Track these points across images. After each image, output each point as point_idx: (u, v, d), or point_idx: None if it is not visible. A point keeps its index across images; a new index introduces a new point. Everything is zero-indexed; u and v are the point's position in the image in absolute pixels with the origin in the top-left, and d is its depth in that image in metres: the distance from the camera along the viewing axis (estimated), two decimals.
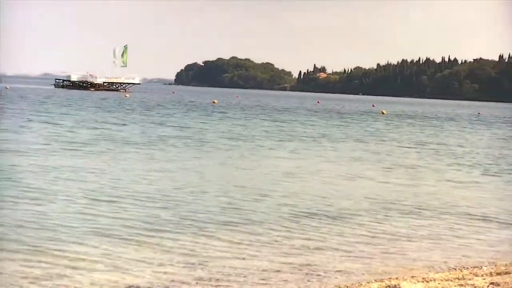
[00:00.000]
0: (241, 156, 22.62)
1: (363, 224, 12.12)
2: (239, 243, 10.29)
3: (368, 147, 28.97)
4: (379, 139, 33.64)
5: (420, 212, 13.70)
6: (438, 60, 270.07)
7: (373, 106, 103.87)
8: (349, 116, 62.21)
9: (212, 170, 18.49)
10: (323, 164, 21.46)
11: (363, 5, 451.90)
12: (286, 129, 38.50)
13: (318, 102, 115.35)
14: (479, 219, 13.20)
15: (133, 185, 14.99)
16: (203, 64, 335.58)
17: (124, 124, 34.67)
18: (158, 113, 48.19)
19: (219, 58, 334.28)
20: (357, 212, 13.24)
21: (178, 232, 10.72)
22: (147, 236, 10.37)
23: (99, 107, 51.96)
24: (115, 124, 34.72)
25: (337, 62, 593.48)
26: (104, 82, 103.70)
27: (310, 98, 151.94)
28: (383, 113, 72.44)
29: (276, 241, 10.57)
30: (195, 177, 16.92)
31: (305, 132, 36.76)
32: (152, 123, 37.23)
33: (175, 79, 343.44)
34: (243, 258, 9.46)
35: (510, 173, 21.51)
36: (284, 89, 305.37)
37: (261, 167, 19.84)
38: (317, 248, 10.22)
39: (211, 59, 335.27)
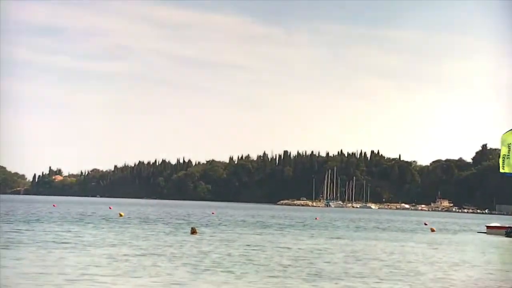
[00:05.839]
0: None
1: None
2: None
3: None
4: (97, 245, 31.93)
5: None
6: (173, 161, 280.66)
7: (110, 208, 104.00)
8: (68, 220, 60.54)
9: None
10: None
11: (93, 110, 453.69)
12: None
13: (54, 205, 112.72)
14: None
15: None
16: None
17: None
18: None
19: None
20: None
21: None
22: None
23: None
24: None
25: (73, 165, 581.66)
26: None
27: (44, 202, 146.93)
28: (120, 215, 72.20)
29: None
30: None
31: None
32: None
33: None
34: None
35: None
36: (18, 192, 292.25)
37: None
38: None
39: None
